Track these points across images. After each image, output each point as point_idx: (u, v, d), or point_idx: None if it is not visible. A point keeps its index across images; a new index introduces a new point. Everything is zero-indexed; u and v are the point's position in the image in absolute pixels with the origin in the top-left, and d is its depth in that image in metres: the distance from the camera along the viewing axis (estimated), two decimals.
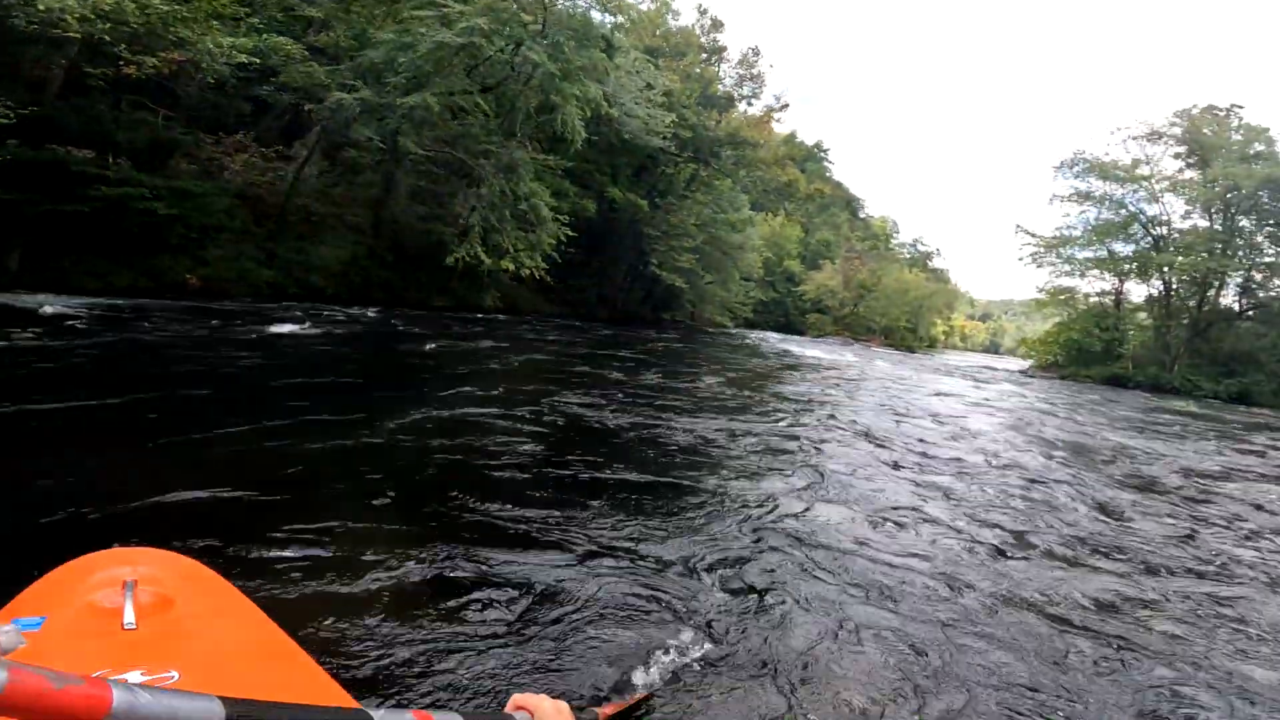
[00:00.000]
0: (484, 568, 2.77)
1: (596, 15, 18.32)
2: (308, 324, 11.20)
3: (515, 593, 2.59)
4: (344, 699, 1.03)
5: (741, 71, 32.85)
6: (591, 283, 27.88)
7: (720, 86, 32.09)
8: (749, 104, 34.22)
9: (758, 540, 3.48)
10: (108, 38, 8.89)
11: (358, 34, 13.95)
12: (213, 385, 5.85)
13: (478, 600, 2.50)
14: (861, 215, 72.22)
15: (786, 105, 35.88)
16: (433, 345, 10.81)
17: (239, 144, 15.28)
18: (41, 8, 8.23)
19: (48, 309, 9.29)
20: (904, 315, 51.85)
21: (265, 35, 11.50)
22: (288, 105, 13.73)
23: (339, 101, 12.56)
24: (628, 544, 3.22)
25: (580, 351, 13.18)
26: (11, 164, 10.11)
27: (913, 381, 15.91)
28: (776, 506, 4.10)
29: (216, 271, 14.65)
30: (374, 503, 3.38)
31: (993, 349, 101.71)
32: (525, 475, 4.14)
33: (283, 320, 11.25)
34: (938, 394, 13.32)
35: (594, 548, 3.12)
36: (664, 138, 25.18)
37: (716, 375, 11.59)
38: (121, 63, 9.48)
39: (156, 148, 12.50)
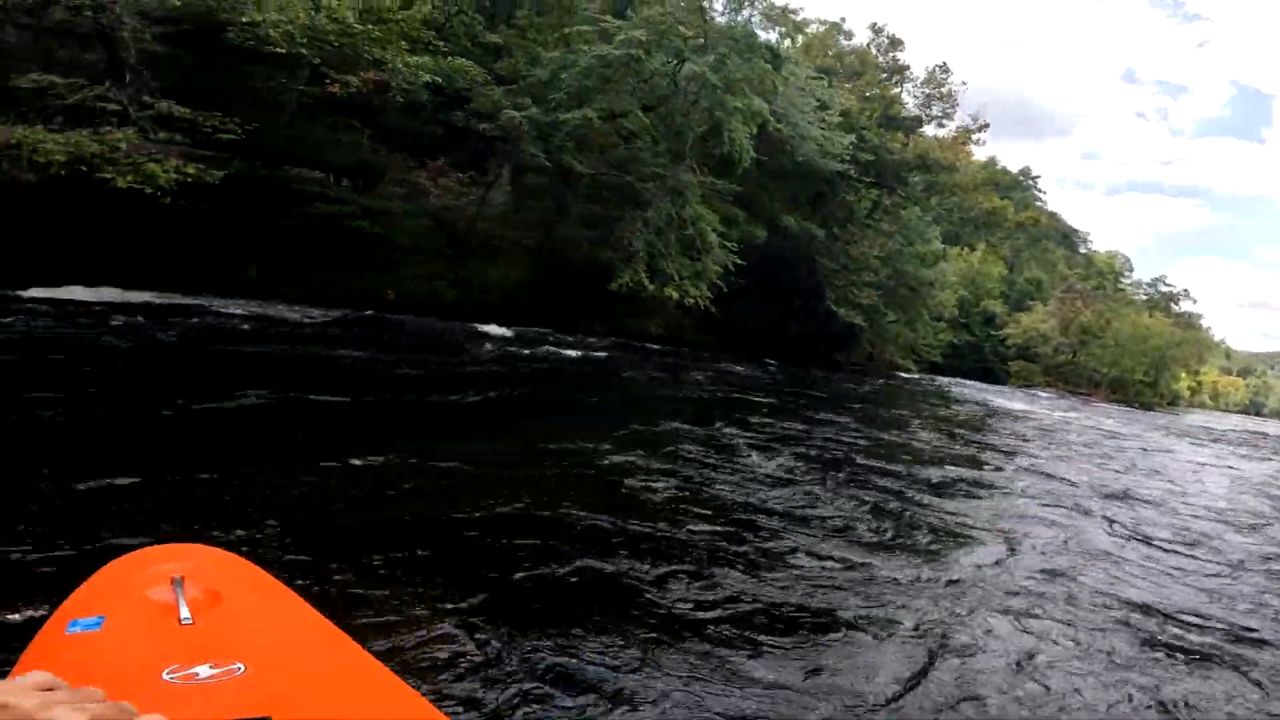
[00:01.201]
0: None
1: (763, 34, 18.80)
2: (487, 345, 12.39)
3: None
4: (399, 686, 1.06)
5: (928, 91, 31.78)
6: (759, 316, 27.83)
7: (904, 107, 31.24)
8: (940, 125, 32.89)
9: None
10: (314, 57, 10.83)
11: (532, 58, 15.64)
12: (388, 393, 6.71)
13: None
14: (1082, 251, 65.39)
15: (986, 125, 34.02)
16: (589, 370, 11.38)
17: (440, 169, 17.60)
18: (244, 19, 10.25)
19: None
20: (1140, 366, 45.70)
21: (450, 58, 13.32)
22: (481, 132, 15.63)
23: (509, 119, 14.10)
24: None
25: (752, 391, 13.16)
26: (253, 181, 12.56)
27: (1159, 445, 13.87)
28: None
29: (409, 288, 16.80)
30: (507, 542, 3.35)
31: (1254, 409, 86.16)
32: (695, 536, 3.81)
33: (461, 338, 12.66)
34: (1206, 465, 11.51)
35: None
36: (842, 161, 24.88)
37: (916, 429, 10.81)
38: (327, 81, 11.47)
39: (366, 170, 14.78)
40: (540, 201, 19.45)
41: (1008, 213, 41.98)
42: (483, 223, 18.71)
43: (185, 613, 1.12)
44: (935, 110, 31.81)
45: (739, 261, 22.05)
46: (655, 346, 21.24)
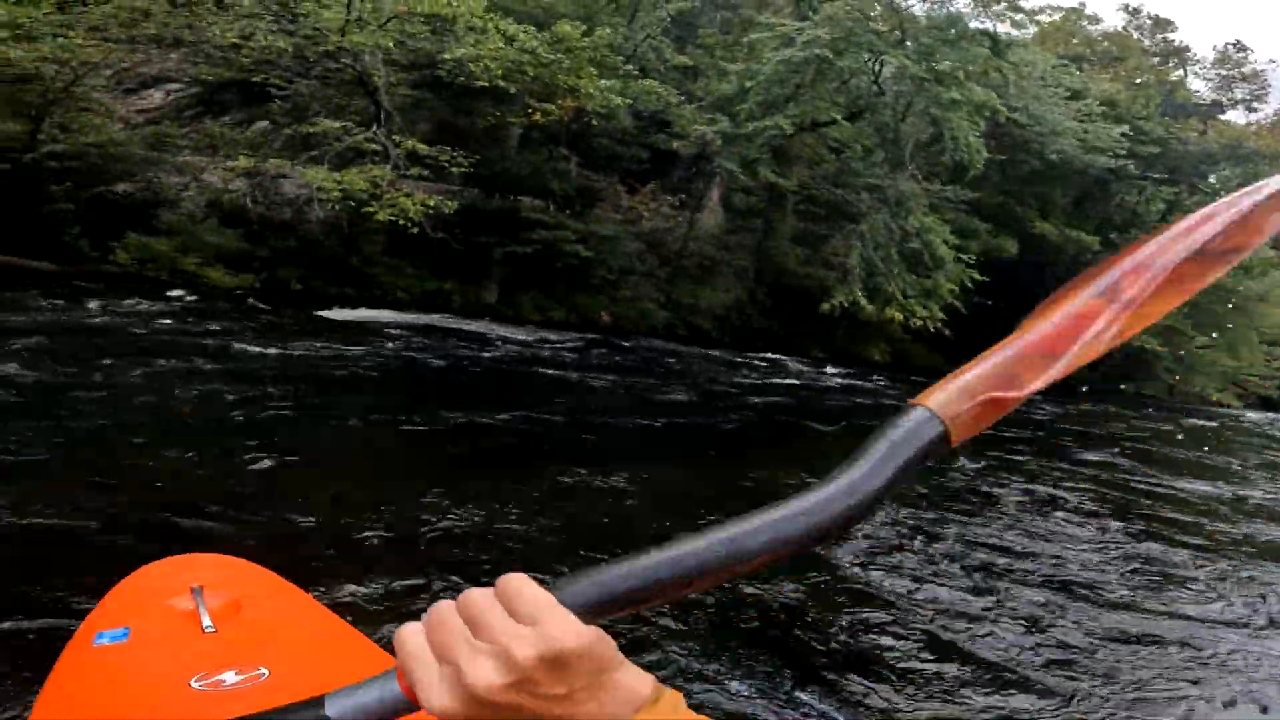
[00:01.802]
0: None
1: (975, 24, 17.28)
2: (697, 367, 12.85)
3: None
4: None
5: (1223, 72, 26.62)
6: None
7: (1193, 93, 26.46)
8: (1250, 110, 27.25)
9: None
10: (510, 87, 12.34)
11: (721, 74, 16.20)
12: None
13: None
14: None
15: None
16: (805, 397, 10.92)
17: (650, 193, 18.94)
18: (446, 55, 11.95)
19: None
20: None
21: (638, 80, 14.35)
22: (680, 152, 16.60)
23: (700, 135, 14.70)
24: None
25: (1001, 427, 11.76)
26: (485, 211, 14.69)
27: None
28: None
29: (623, 310, 18.09)
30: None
31: None
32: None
33: (672, 360, 13.31)
34: None
35: None
36: (1113, 156, 21.73)
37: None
38: (529, 110, 13.06)
39: (581, 195, 16.43)
40: (750, 221, 19.81)
41: None
42: (694, 244, 19.54)
43: (207, 621, 1.17)
44: (1239, 93, 26.51)
45: (978, 277, 20.18)
46: (875, 374, 19.95)
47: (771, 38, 14.71)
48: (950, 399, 0.46)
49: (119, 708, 1.02)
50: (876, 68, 15.88)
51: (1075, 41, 28.66)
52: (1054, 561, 4.34)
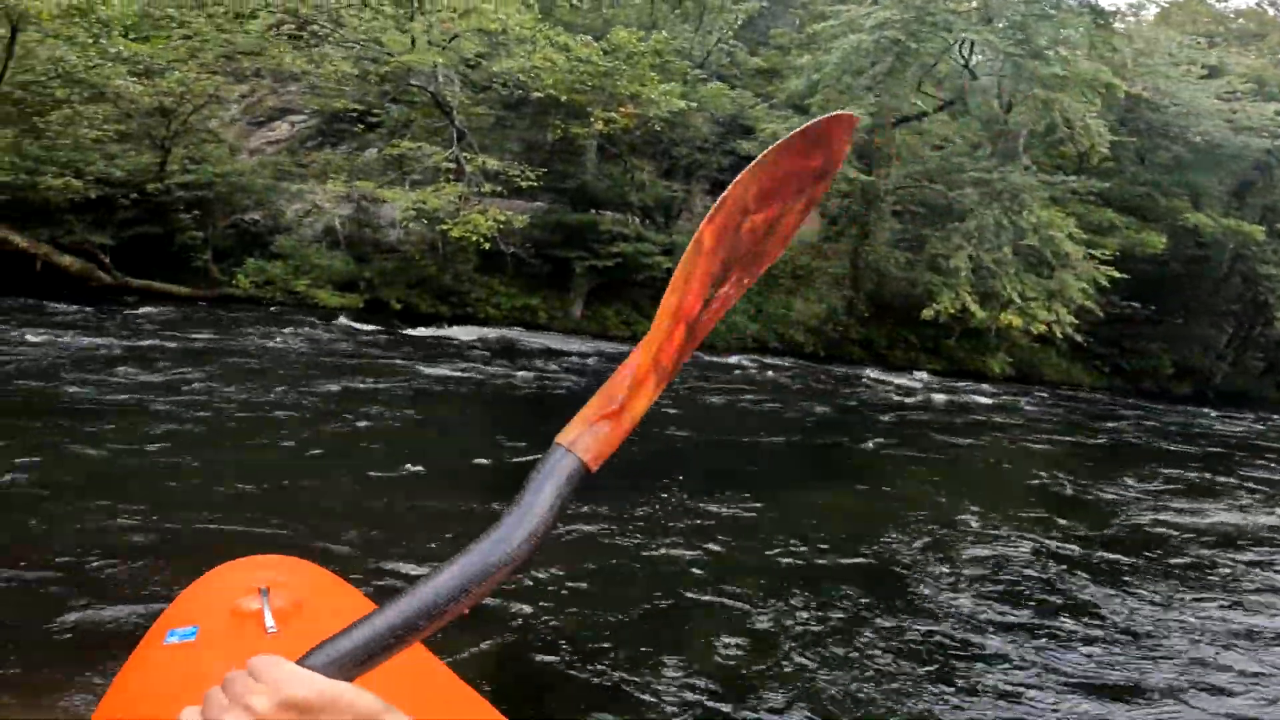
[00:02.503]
0: None
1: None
2: (789, 381, 12.62)
3: None
4: (468, 693, 1.16)
5: None
6: (1161, 345, 22.64)
7: None
8: None
9: None
10: (563, 95, 12.69)
11: (793, 69, 15.95)
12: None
13: None
14: None
15: None
16: (906, 416, 10.35)
17: None
18: (495, 68, 12.25)
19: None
20: None
21: (704, 84, 14.41)
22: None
23: (770, 135, 14.46)
24: None
25: (1158, 438, 10.81)
26: (566, 225, 15.27)
27: None
28: None
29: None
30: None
31: None
32: None
33: (760, 374, 13.14)
34: None
35: None
36: (1270, 136, 19.40)
37: None
38: (592, 120, 13.43)
39: (663, 207, 16.70)
40: (846, 226, 19.31)
41: None
42: (788, 251, 19.30)
43: (271, 622, 1.23)
44: None
45: (1115, 275, 18.44)
46: (993, 388, 18.49)
47: (837, 26, 14.34)
48: (576, 431, 0.56)
49: (179, 705, 1.10)
50: (965, 51, 15.08)
51: (1205, 20, 26.20)
52: None
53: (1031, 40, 13.96)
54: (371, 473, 4.70)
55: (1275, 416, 18.34)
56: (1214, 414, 16.79)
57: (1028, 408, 14.08)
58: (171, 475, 4.28)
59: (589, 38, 13.44)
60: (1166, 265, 21.92)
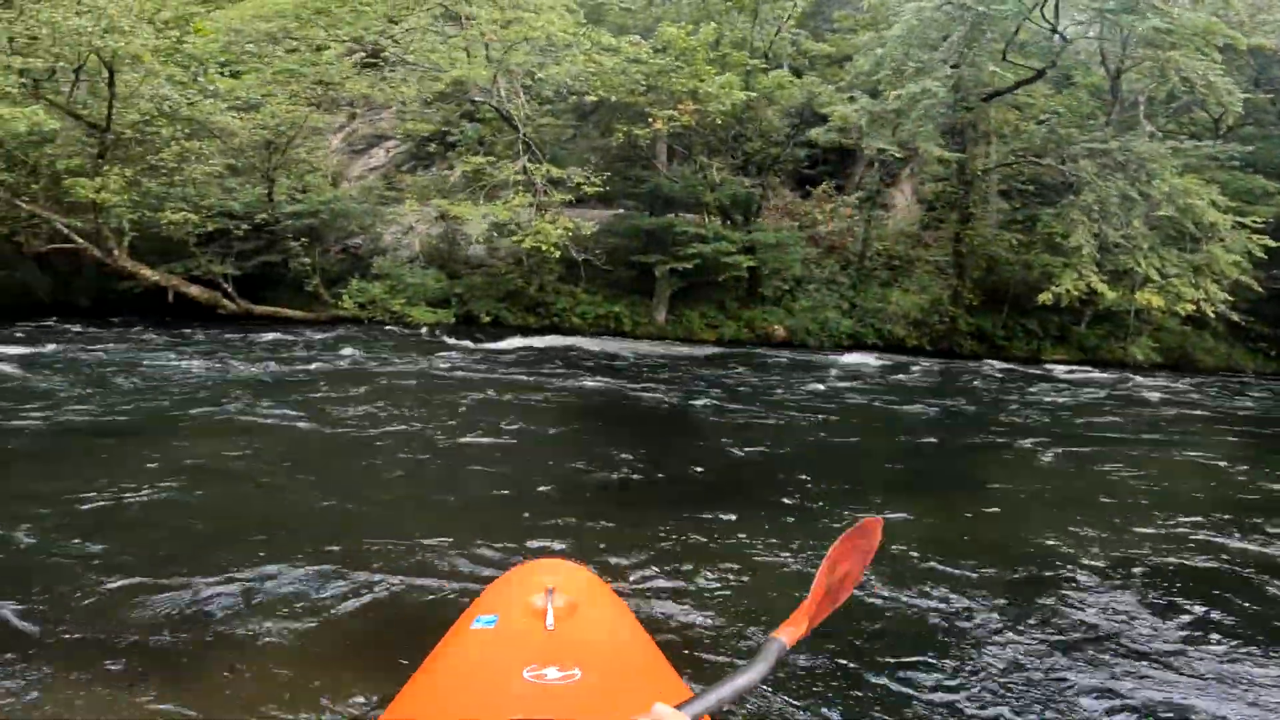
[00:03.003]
0: None
1: None
2: (888, 379, 11.96)
3: None
4: None
5: None
6: None
7: None
8: None
9: None
10: (613, 96, 12.67)
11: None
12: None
13: None
14: None
15: None
16: (1044, 413, 9.22)
17: (824, 194, 18.37)
18: (541, 76, 12.40)
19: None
20: None
21: (765, 73, 13.99)
22: (842, 145, 15.90)
23: (842, 118, 13.80)
24: None
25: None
26: (648, 230, 15.38)
27: None
28: None
29: (801, 321, 17.49)
30: None
31: None
32: None
33: (858, 372, 12.57)
34: None
35: None
36: None
37: None
38: (650, 120, 13.33)
39: (737, 203, 16.47)
40: (946, 212, 18.23)
41: None
42: (882, 242, 18.45)
43: (550, 620, 1.42)
44: None
45: (1272, 244, 16.27)
46: (1138, 375, 16.52)
47: None
48: (789, 627, 1.22)
49: (472, 682, 1.31)
50: (1049, 14, 13.80)
51: None
52: None
53: None
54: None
55: None
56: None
57: (1187, 396, 12.47)
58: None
59: (636, 37, 13.56)
60: None
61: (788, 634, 1.16)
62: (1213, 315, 16.28)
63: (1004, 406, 9.98)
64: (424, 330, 14.99)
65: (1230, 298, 16.17)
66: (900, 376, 12.64)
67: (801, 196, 18.51)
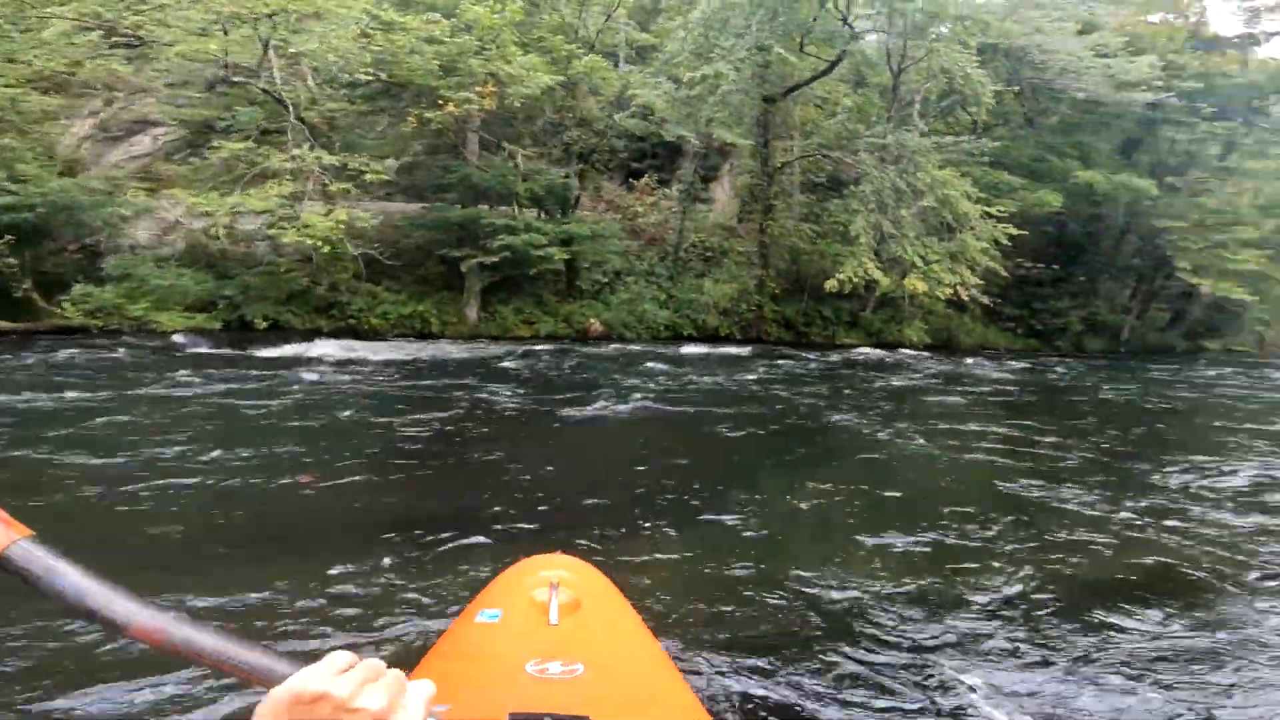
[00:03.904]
0: None
1: None
2: (697, 367, 11.93)
3: None
4: (699, 712, 1.26)
5: (1247, 6, 25.28)
6: (1070, 304, 23.36)
7: (1212, 29, 25.21)
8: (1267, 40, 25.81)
9: None
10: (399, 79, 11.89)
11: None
12: None
13: None
14: None
15: None
16: (827, 390, 9.89)
17: (647, 187, 18.53)
18: (294, 51, 11.39)
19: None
20: None
21: (579, 60, 13.91)
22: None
23: (644, 104, 14.06)
24: None
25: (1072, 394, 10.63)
26: (453, 222, 14.46)
27: None
28: None
29: (619, 314, 17.45)
30: None
31: None
32: None
33: (676, 361, 12.53)
34: None
35: None
36: (1147, 88, 20.35)
37: None
38: (441, 101, 12.63)
39: (554, 195, 16.06)
40: (755, 204, 19.18)
41: None
42: (699, 234, 18.99)
43: (554, 615, 1.43)
44: (1269, 26, 25.06)
45: (1014, 232, 18.82)
46: (913, 353, 18.41)
47: None
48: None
49: (473, 673, 1.29)
50: (841, 4, 15.05)
51: None
52: None
53: None
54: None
55: (1205, 370, 18.40)
56: (1129, 369, 17.12)
57: (956, 371, 13.93)
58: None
59: (436, 15, 12.67)
60: (1065, 225, 22.75)
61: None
62: (967, 299, 18.45)
63: (792, 386, 10.49)
64: (177, 339, 12.71)
65: (982, 283, 18.50)
66: (716, 367, 12.86)
67: (628, 190, 18.58)
